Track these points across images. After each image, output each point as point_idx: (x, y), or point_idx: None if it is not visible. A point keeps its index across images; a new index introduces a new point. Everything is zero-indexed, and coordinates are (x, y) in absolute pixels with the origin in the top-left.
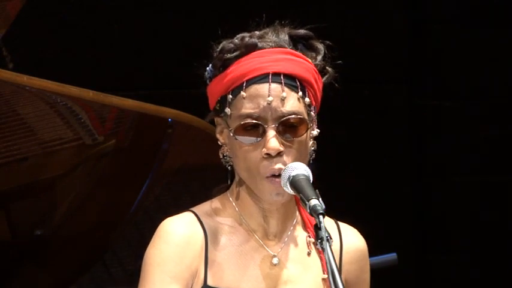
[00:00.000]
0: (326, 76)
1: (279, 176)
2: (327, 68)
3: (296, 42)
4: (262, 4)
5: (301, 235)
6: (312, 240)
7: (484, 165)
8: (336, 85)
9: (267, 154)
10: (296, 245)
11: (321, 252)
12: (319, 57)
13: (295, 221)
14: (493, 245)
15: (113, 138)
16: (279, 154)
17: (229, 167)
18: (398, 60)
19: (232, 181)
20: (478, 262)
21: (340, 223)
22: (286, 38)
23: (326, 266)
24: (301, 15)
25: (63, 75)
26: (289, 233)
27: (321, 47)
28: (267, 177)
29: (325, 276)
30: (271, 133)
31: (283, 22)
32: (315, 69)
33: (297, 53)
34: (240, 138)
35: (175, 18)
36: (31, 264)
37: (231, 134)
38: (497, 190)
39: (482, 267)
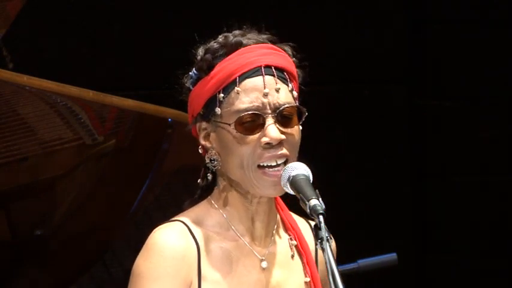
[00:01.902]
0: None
1: (277, 166)
2: (297, 69)
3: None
4: (263, 4)
5: (284, 237)
6: (294, 243)
7: (484, 165)
8: (303, 88)
9: (268, 144)
10: (280, 247)
11: (303, 255)
12: (294, 59)
13: (276, 223)
14: (493, 245)
15: (113, 138)
16: (279, 143)
17: (214, 170)
18: (398, 60)
19: (212, 188)
20: (478, 262)
21: (311, 222)
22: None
23: (326, 266)
24: (301, 16)
25: (63, 75)
26: (273, 235)
27: (287, 48)
28: (262, 166)
29: (308, 279)
30: (271, 123)
31: (244, 27)
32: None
33: (279, 48)
34: (240, 132)
35: (175, 18)
36: (31, 264)
37: (232, 128)
38: (497, 190)
39: (482, 267)
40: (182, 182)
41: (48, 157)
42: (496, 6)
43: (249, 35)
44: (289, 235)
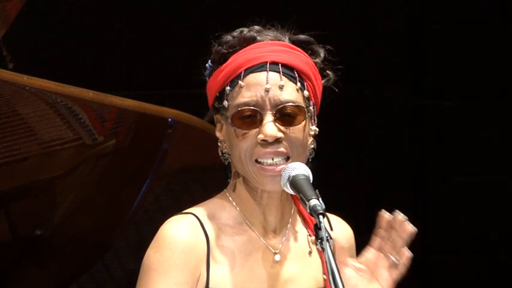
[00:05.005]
0: (326, 79)
1: (274, 162)
2: (327, 71)
3: (296, 45)
4: (263, 4)
5: (302, 232)
6: (313, 238)
7: (484, 165)
8: (336, 90)
9: (264, 140)
10: (296, 241)
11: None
12: (318, 60)
13: (292, 217)
14: (493, 245)
15: (113, 138)
16: (277, 141)
17: (227, 163)
18: (398, 60)
19: (230, 179)
20: (478, 262)
21: (327, 214)
22: (286, 38)
23: (326, 266)
24: (301, 15)
25: (63, 75)
26: (288, 229)
27: (321, 50)
28: (259, 162)
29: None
30: (268, 120)
31: (283, 26)
32: (314, 66)
33: (296, 47)
34: (237, 126)
35: (175, 18)
36: (31, 264)
37: (229, 121)
38: (497, 190)
39: (481, 267)
40: (182, 182)
41: (48, 157)
42: (496, 6)
43: (267, 32)
44: (308, 231)
